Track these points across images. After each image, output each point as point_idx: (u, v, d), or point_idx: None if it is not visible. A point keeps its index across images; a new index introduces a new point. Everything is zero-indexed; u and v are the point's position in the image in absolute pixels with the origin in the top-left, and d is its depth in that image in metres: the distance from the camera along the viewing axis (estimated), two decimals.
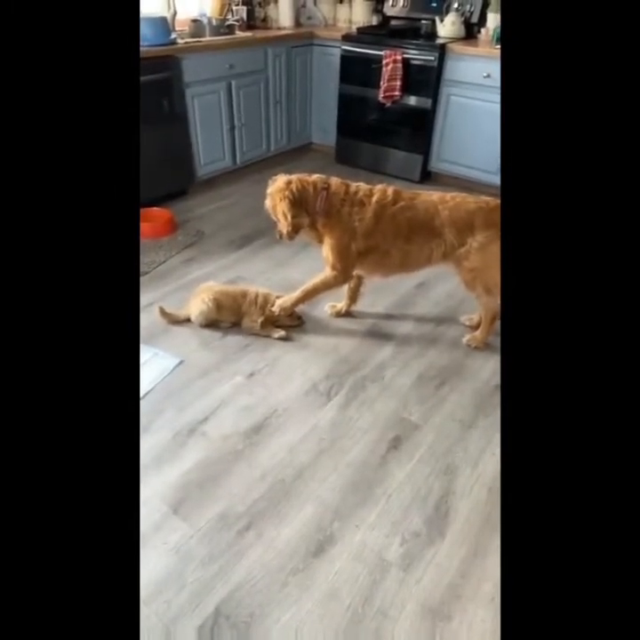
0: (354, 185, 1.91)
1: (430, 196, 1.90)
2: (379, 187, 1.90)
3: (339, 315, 2.27)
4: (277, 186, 1.87)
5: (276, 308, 2.08)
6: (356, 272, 2.07)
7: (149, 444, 1.63)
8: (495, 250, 1.83)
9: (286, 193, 1.83)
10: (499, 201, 1.87)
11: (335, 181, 1.90)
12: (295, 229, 1.89)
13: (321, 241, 1.98)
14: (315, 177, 1.89)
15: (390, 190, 1.89)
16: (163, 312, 2.15)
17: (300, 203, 1.84)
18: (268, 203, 1.91)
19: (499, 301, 1.96)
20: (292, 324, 2.18)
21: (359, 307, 2.31)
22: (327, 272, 2.01)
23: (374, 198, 1.87)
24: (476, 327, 2.18)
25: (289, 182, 1.86)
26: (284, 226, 1.88)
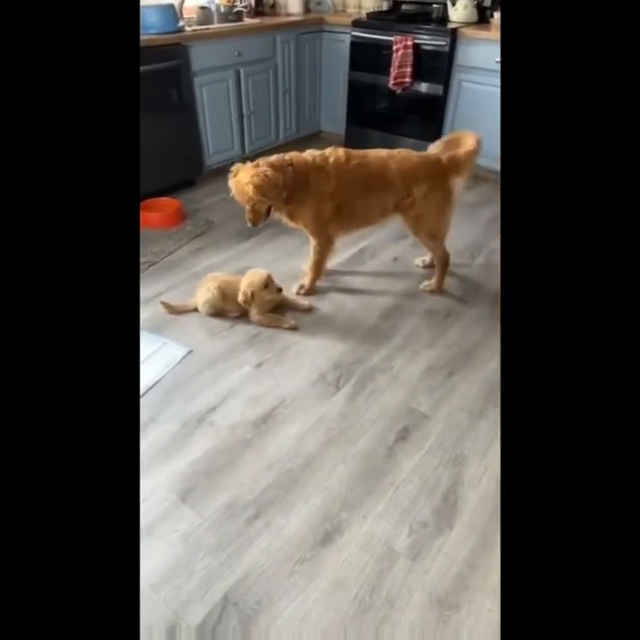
0: (307, 153, 2.04)
1: (378, 152, 2.07)
2: (328, 149, 2.04)
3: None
4: (250, 172, 1.91)
5: (303, 292, 2.30)
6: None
7: (158, 433, 1.64)
8: (436, 198, 2.06)
9: (261, 178, 1.88)
10: (440, 156, 2.06)
11: (294, 155, 2.01)
12: (267, 214, 2.04)
13: (292, 217, 2.12)
14: (273, 158, 1.97)
15: (341, 151, 2.04)
16: (166, 305, 2.15)
17: (274, 185, 1.91)
18: (238, 192, 1.96)
19: (444, 248, 2.25)
20: (301, 309, 2.21)
21: (371, 297, 2.33)
22: (313, 243, 2.21)
23: (331, 160, 2.01)
24: (430, 267, 2.44)
25: (258, 169, 1.90)
26: (260, 211, 2.00)
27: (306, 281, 2.32)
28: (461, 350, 2.02)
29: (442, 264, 2.29)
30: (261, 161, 1.94)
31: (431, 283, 2.35)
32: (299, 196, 2.01)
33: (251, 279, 2.06)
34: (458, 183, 2.08)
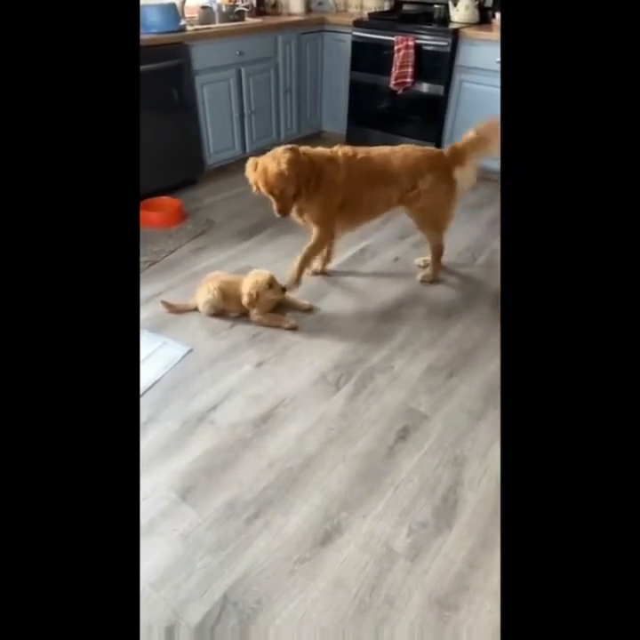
0: (317, 148, 2.06)
1: (382, 148, 2.12)
2: (335, 147, 2.07)
3: (316, 274, 2.45)
4: (274, 156, 1.89)
5: (288, 287, 2.16)
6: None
7: (158, 432, 1.64)
8: (441, 191, 2.12)
9: (291, 154, 1.87)
10: (439, 150, 2.16)
11: (305, 148, 2.00)
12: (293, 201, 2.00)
13: (301, 210, 2.09)
14: (286, 146, 1.96)
15: (347, 147, 2.07)
16: (166, 304, 2.15)
17: (302, 162, 1.93)
18: (266, 181, 1.90)
19: (442, 237, 2.32)
20: (302, 308, 2.21)
21: (371, 297, 2.32)
22: (315, 233, 2.17)
23: (340, 153, 2.04)
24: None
25: (279, 151, 1.90)
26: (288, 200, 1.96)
27: (292, 271, 2.19)
28: (462, 351, 2.02)
29: (436, 253, 2.38)
30: (278, 149, 1.92)
31: (428, 273, 2.42)
32: (312, 186, 1.98)
33: (254, 279, 2.06)
34: (463, 176, 2.12)
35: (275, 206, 1.96)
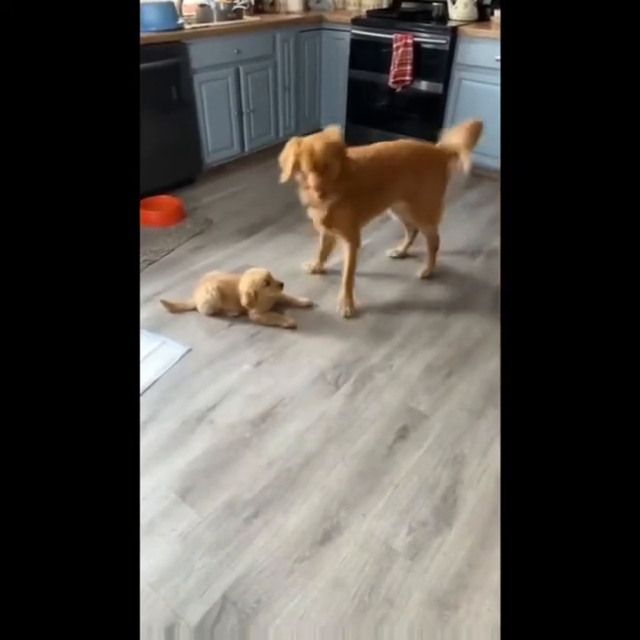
0: None
1: (385, 144, 2.12)
2: None
3: (314, 273, 2.47)
4: (332, 138, 1.85)
5: (342, 312, 2.18)
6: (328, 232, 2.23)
7: (157, 431, 1.63)
8: (438, 184, 2.19)
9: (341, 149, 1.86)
10: (434, 146, 2.20)
11: None
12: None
13: (330, 222, 2.04)
14: None
15: (351, 149, 2.02)
16: (166, 303, 2.15)
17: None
18: (311, 154, 1.78)
19: (437, 229, 2.35)
20: (301, 305, 2.22)
21: (371, 297, 2.32)
22: (346, 247, 2.15)
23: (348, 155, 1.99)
24: (402, 256, 2.61)
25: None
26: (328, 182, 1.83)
27: (343, 297, 2.19)
28: (461, 349, 2.02)
29: (433, 248, 2.41)
30: (327, 129, 1.91)
31: (425, 268, 2.46)
32: (343, 178, 1.89)
33: (251, 279, 2.05)
34: (460, 168, 2.16)
35: (314, 182, 1.80)
